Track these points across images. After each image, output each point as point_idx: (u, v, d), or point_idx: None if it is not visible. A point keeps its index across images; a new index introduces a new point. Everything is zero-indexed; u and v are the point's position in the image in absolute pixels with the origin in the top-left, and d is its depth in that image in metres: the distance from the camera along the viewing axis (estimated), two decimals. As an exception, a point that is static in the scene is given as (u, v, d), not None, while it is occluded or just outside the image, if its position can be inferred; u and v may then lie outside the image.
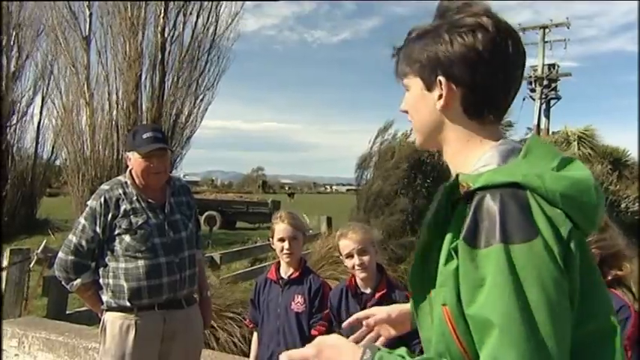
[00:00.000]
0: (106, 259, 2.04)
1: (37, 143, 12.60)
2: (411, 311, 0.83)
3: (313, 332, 2.02)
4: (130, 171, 2.13)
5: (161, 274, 2.03)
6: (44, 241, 3.98)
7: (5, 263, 3.18)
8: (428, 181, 8.82)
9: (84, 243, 2.02)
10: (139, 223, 2.03)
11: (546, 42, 27.29)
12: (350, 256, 1.92)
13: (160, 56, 10.18)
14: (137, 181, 2.10)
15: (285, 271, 2.15)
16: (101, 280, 2.06)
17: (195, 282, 2.19)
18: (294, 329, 2.04)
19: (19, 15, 12.14)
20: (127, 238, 2.01)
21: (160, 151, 2.08)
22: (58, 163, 13.00)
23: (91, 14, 10.18)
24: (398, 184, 8.18)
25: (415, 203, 8.30)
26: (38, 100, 12.59)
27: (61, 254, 2.05)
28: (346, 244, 1.93)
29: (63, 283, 2.07)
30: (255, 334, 2.24)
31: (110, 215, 2.02)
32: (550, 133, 22.13)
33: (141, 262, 2.01)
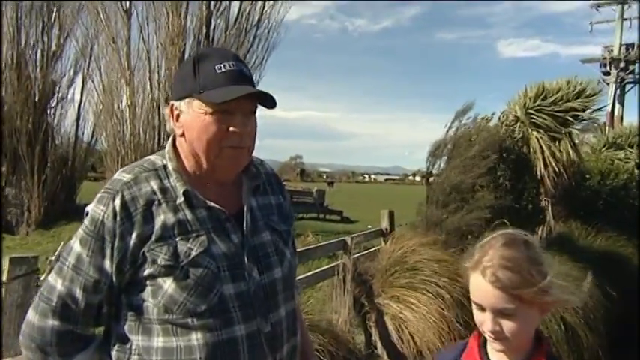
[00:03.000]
0: (126, 328, 1.05)
1: (77, 126, 12.05)
2: None
3: None
4: (174, 143, 1.12)
5: None
6: (61, 244, 3.12)
7: (5, 277, 2.29)
8: (509, 173, 7.60)
9: (78, 293, 1.03)
10: (193, 253, 1.02)
11: (625, 19, 24.69)
12: None
13: (204, 30, 9.31)
14: (190, 165, 1.09)
15: (500, 358, 1.07)
16: None
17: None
18: None
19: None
20: (168, 284, 1.01)
21: (248, 102, 1.07)
22: (99, 147, 12.47)
23: (132, -14, 9.41)
24: (478, 177, 7.01)
25: (497, 199, 7.11)
26: (79, 80, 12.02)
27: (32, 314, 1.06)
28: None
29: None
30: None
31: (134, 236, 1.02)
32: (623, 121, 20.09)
33: (197, 338, 1.01)
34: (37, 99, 11.22)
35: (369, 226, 9.23)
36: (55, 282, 1.05)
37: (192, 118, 1.06)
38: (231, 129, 1.05)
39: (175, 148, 1.11)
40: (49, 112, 11.53)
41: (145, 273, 1.02)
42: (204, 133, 1.04)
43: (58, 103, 11.77)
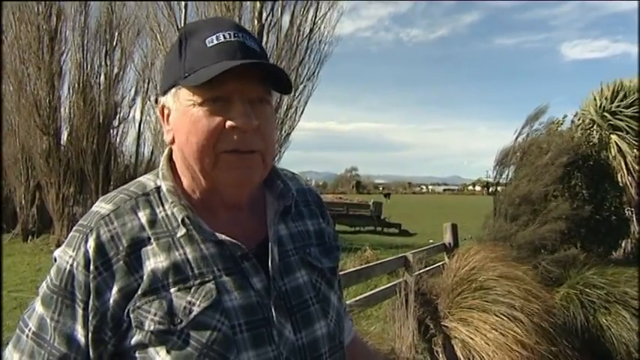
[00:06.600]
0: None
1: (137, 144, 12.49)
2: None
3: None
4: (170, 156, 0.84)
5: None
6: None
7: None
8: (586, 180, 6.93)
9: None
10: (195, 309, 0.72)
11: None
12: None
13: (257, 45, 9.34)
14: (187, 183, 0.81)
15: None
16: None
17: None
18: None
19: (120, 15, 12.03)
20: (162, 357, 0.71)
21: (254, 85, 0.76)
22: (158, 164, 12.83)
23: (186, 4, 9.59)
24: (550, 185, 6.42)
25: (574, 209, 6.47)
26: (139, 100, 12.47)
27: None
28: None
29: None
30: None
31: (115, 291, 0.72)
32: None
33: None
34: (100, 120, 11.70)
35: (431, 241, 8.76)
36: (10, 358, 0.76)
37: (180, 114, 0.77)
38: (228, 123, 0.74)
39: (173, 163, 0.83)
40: (111, 132, 11.99)
41: (133, 342, 0.72)
42: (193, 132, 0.75)
43: (120, 123, 12.24)
